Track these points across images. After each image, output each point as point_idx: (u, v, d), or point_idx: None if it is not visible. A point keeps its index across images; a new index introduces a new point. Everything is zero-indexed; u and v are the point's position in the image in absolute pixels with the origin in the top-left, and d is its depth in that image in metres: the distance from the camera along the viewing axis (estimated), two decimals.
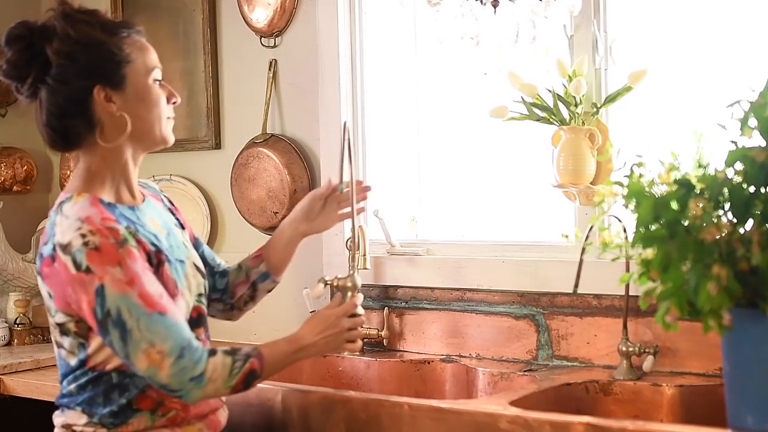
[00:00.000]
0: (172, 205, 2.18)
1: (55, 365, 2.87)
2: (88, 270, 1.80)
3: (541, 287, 2.57)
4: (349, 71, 2.93)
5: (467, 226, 2.84)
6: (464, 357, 2.68)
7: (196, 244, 2.20)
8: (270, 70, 3.07)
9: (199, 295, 2.04)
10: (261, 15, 3.04)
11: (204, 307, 2.06)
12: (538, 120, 2.51)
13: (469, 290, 2.68)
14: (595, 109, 2.49)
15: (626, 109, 2.51)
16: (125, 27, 1.95)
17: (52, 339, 1.98)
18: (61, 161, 3.61)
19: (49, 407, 2.82)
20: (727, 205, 1.77)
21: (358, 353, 2.76)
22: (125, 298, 1.80)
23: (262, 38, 3.07)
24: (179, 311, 1.90)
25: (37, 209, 3.63)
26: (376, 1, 2.93)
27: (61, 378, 1.98)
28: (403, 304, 2.81)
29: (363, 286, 2.82)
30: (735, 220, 1.76)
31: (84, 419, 1.93)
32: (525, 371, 2.48)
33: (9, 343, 3.17)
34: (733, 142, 1.77)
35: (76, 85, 1.89)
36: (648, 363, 2.34)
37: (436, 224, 2.95)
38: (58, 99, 1.89)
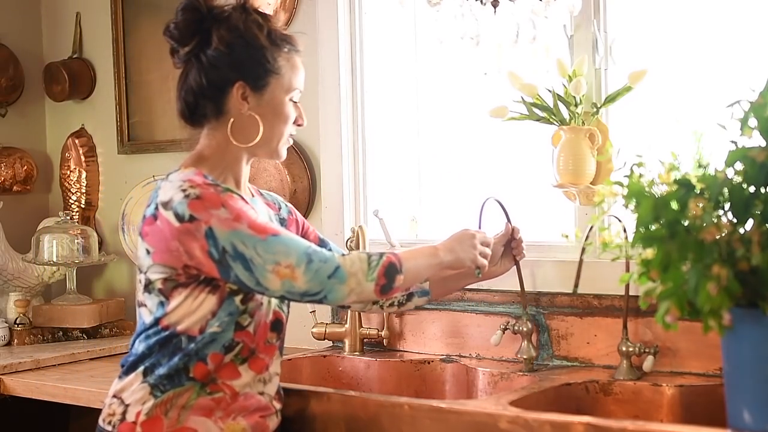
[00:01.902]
0: (291, 215, 2.26)
1: (55, 365, 2.92)
2: (191, 218, 1.90)
3: (541, 287, 2.57)
4: (349, 71, 2.94)
5: (467, 226, 2.83)
6: (464, 357, 2.68)
7: (322, 243, 2.27)
8: None
9: (281, 301, 2.09)
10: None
11: (283, 315, 2.11)
12: (538, 120, 2.51)
13: (469, 290, 2.68)
14: (595, 109, 2.49)
15: (626, 109, 2.52)
16: (288, 43, 2.06)
17: (136, 301, 2.06)
18: (61, 161, 3.61)
19: (49, 407, 2.83)
20: (727, 205, 1.77)
21: (357, 353, 2.76)
22: (236, 233, 1.89)
23: None
24: (292, 234, 1.99)
25: (37, 209, 3.63)
26: (376, 1, 2.93)
27: (134, 337, 2.05)
28: None
29: None
30: (735, 220, 1.76)
31: (138, 383, 1.98)
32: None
33: (9, 343, 3.17)
34: (733, 142, 1.77)
35: (223, 73, 2.01)
36: (648, 363, 2.34)
37: (436, 224, 2.95)
38: (202, 78, 2.01)
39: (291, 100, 2.07)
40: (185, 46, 2.03)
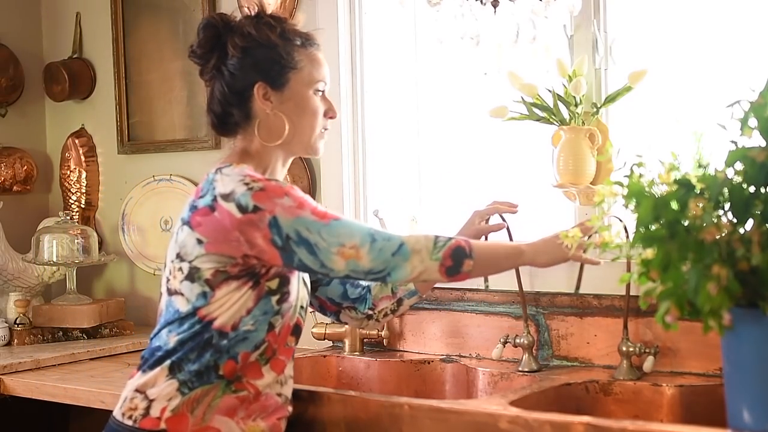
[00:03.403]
0: None
1: (55, 365, 2.91)
2: (255, 209, 1.93)
3: (541, 287, 2.57)
4: (349, 71, 2.94)
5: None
6: (464, 357, 2.68)
7: None
8: None
9: (301, 307, 2.12)
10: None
11: (302, 320, 2.12)
12: (538, 120, 2.51)
13: (469, 290, 2.68)
14: (595, 109, 2.49)
15: (626, 109, 2.52)
16: (303, 37, 2.10)
17: (165, 289, 2.05)
18: (61, 161, 3.61)
19: (49, 407, 2.83)
20: (727, 205, 1.77)
21: (357, 353, 2.76)
22: (300, 219, 1.93)
23: None
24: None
25: (37, 209, 3.63)
26: (376, 1, 2.93)
27: (160, 327, 2.04)
28: None
29: None
30: (735, 220, 1.76)
31: (164, 378, 1.98)
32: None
33: (9, 343, 3.17)
34: (733, 142, 1.77)
35: (243, 78, 2.06)
36: (648, 363, 2.34)
37: (436, 224, 2.95)
38: (224, 87, 2.08)
39: (317, 92, 2.10)
40: (208, 63, 2.09)
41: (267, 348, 2.02)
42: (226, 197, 1.96)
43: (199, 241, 1.98)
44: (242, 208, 1.94)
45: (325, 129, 2.14)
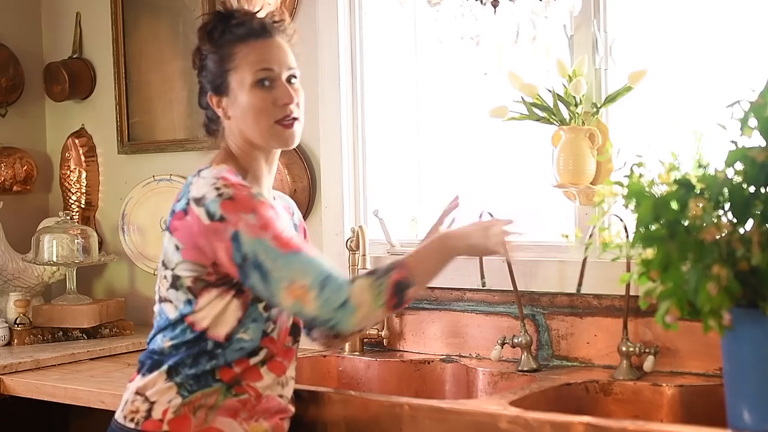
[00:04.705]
0: (299, 225, 2.27)
1: (55, 365, 2.91)
2: (221, 219, 1.90)
3: (541, 287, 2.57)
4: (349, 71, 2.94)
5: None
6: (464, 357, 2.68)
7: None
8: None
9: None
10: (261, 15, 3.03)
11: (301, 320, 2.09)
12: (538, 120, 2.51)
13: (469, 290, 2.68)
14: (595, 109, 2.49)
15: (626, 109, 2.51)
16: (246, 29, 2.03)
17: (157, 296, 2.05)
18: (61, 161, 3.61)
19: (49, 407, 2.83)
20: (727, 205, 1.77)
21: (357, 353, 2.76)
22: (260, 241, 1.88)
23: None
24: (315, 251, 1.96)
25: (37, 209, 3.63)
26: (376, 1, 2.93)
27: (154, 333, 2.04)
28: None
29: None
30: (735, 220, 1.76)
31: (162, 381, 1.98)
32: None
33: (9, 343, 3.17)
34: (733, 142, 1.77)
35: (203, 90, 2.09)
36: (648, 363, 2.34)
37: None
38: (201, 101, 2.12)
39: (260, 86, 2.00)
40: (198, 76, 2.12)
41: (266, 353, 2.01)
42: (198, 201, 1.93)
43: (177, 248, 1.98)
44: (210, 215, 1.91)
45: (288, 116, 2.02)
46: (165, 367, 1.99)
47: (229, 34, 2.03)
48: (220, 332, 1.97)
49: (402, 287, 1.91)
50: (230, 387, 1.98)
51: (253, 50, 2.02)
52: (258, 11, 2.07)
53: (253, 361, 2.00)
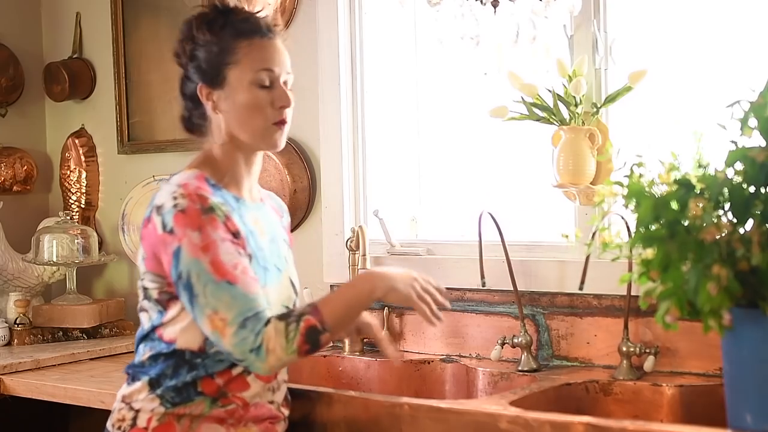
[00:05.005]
0: (288, 229, 2.23)
1: (55, 365, 2.92)
2: (171, 231, 1.88)
3: (541, 287, 2.57)
4: (349, 71, 2.94)
5: (467, 226, 2.84)
6: (464, 357, 2.68)
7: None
8: None
9: (286, 306, 2.04)
10: (261, 15, 3.04)
11: None
12: (538, 120, 2.51)
13: (469, 290, 2.68)
14: (595, 109, 2.49)
15: (626, 109, 2.51)
16: (250, 27, 2.01)
17: (139, 304, 2.02)
18: (61, 161, 3.61)
19: (49, 407, 2.83)
20: (727, 205, 1.77)
21: (357, 353, 2.76)
22: (197, 263, 1.85)
23: None
24: (255, 285, 1.88)
25: (37, 209, 3.63)
26: (376, 1, 2.93)
27: (137, 341, 2.03)
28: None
29: None
30: (735, 220, 1.76)
31: (145, 393, 1.96)
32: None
33: (9, 343, 3.17)
34: (733, 142, 1.77)
35: (192, 81, 2.03)
36: (649, 363, 2.34)
37: (436, 224, 2.95)
38: (183, 90, 2.06)
39: (260, 86, 1.98)
40: (182, 67, 2.06)
41: None
42: (158, 210, 1.91)
43: (143, 257, 1.96)
44: (163, 225, 1.89)
45: (281, 120, 2.00)
46: (146, 378, 1.97)
47: (231, 28, 1.99)
48: (191, 343, 1.93)
49: (314, 333, 1.87)
50: (215, 399, 1.95)
51: (257, 48, 2.00)
52: (259, 11, 2.05)
53: (236, 371, 1.96)
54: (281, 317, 1.87)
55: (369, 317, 2.12)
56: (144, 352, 1.99)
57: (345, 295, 1.95)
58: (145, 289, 1.98)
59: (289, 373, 2.12)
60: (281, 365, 1.89)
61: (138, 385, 1.98)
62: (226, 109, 1.99)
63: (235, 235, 1.92)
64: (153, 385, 1.96)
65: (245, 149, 2.03)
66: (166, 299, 1.94)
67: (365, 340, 2.80)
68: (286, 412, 2.09)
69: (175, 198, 1.89)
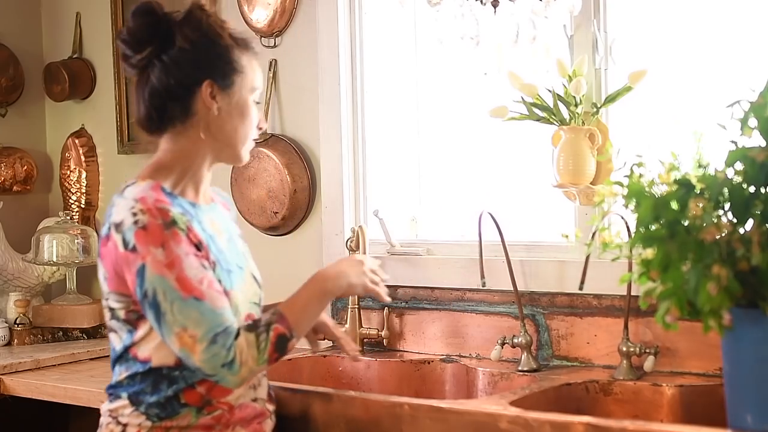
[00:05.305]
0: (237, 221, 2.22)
1: (55, 365, 2.92)
2: (133, 249, 1.84)
3: (541, 287, 2.57)
4: (349, 71, 2.93)
5: (467, 226, 2.84)
6: (464, 357, 2.68)
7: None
8: (270, 70, 3.07)
9: (254, 303, 2.04)
10: (261, 15, 3.04)
11: (256, 315, 2.03)
12: (538, 120, 2.51)
13: (469, 290, 2.68)
14: (595, 109, 2.49)
15: (626, 109, 2.51)
16: (246, 43, 2.01)
17: (107, 326, 1.99)
18: (61, 161, 3.61)
19: (49, 407, 2.83)
20: (727, 205, 1.77)
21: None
22: (163, 280, 1.82)
23: (262, 38, 3.07)
24: (222, 298, 1.88)
25: (37, 209, 3.63)
26: (376, 1, 2.93)
27: (112, 363, 2.00)
28: (403, 304, 2.80)
29: None
30: (735, 220, 1.76)
31: (130, 408, 1.94)
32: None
33: (9, 343, 3.17)
34: (733, 142, 1.77)
35: (190, 72, 1.94)
36: (649, 363, 2.34)
37: (436, 224, 2.95)
38: (169, 79, 1.94)
39: (254, 101, 2.02)
40: (141, 52, 1.96)
41: None
42: (117, 227, 1.86)
43: (105, 278, 1.92)
44: (125, 243, 1.84)
45: (254, 140, 2.05)
46: (126, 396, 1.94)
47: (235, 37, 1.99)
48: (167, 359, 1.90)
49: (283, 341, 1.89)
50: (200, 409, 1.94)
51: (256, 66, 2.03)
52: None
53: None
54: (249, 328, 1.88)
55: (323, 316, 2.15)
56: (120, 373, 1.96)
57: (305, 299, 1.99)
58: (111, 309, 1.93)
59: (288, 373, 2.12)
60: (252, 376, 1.91)
61: (120, 401, 1.96)
62: (227, 113, 1.97)
63: (198, 246, 1.89)
64: (134, 402, 1.94)
65: (216, 156, 2.01)
66: (134, 318, 1.90)
67: (365, 340, 2.81)
68: (271, 407, 2.08)
69: (134, 214, 1.85)
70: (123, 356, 1.95)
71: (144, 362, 1.92)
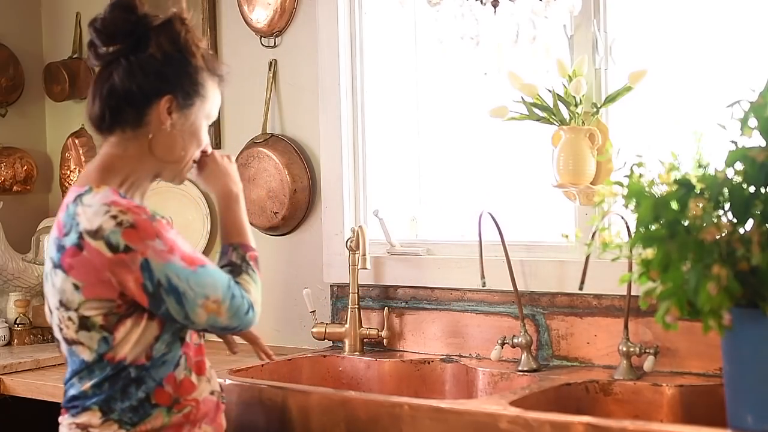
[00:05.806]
0: None
1: (55, 365, 2.91)
2: (126, 249, 1.84)
3: (541, 287, 2.57)
4: (349, 71, 2.93)
5: (467, 226, 2.84)
6: (464, 357, 2.68)
7: None
8: (270, 70, 3.07)
9: (203, 331, 2.05)
10: (261, 15, 3.04)
11: None
12: (538, 120, 2.51)
13: (469, 290, 2.68)
14: (595, 109, 2.49)
15: (626, 109, 2.51)
16: (216, 68, 2.02)
17: (61, 337, 1.96)
18: (61, 161, 3.61)
19: (49, 407, 2.82)
20: (727, 205, 1.77)
21: (357, 353, 2.77)
22: (170, 265, 1.87)
23: (262, 38, 3.07)
24: (206, 258, 1.97)
25: (37, 209, 3.63)
26: (376, 1, 2.93)
27: (70, 375, 1.96)
28: (403, 304, 2.81)
29: (363, 286, 2.84)
30: (735, 220, 1.76)
31: (100, 418, 1.92)
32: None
33: (9, 343, 3.17)
34: (733, 142, 1.77)
35: (154, 82, 1.93)
36: (649, 363, 2.34)
37: (436, 224, 2.95)
38: (131, 84, 1.92)
39: (207, 125, 2.03)
40: (110, 46, 1.94)
41: (186, 360, 1.96)
42: (94, 234, 1.84)
43: (76, 287, 1.87)
44: (113, 247, 1.83)
45: (195, 161, 2.05)
46: (95, 406, 1.92)
47: (206, 60, 1.99)
48: (141, 356, 1.90)
49: (257, 259, 2.06)
50: (170, 408, 1.94)
51: (218, 95, 2.04)
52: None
53: (179, 374, 1.94)
54: (235, 271, 2.00)
55: None
56: (82, 384, 1.93)
57: (238, 217, 2.11)
58: (84, 318, 1.89)
59: (288, 373, 2.12)
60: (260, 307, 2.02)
61: (87, 415, 1.93)
62: (179, 132, 1.96)
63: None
64: (105, 411, 1.91)
65: (158, 169, 1.99)
66: (114, 322, 1.88)
67: (365, 340, 2.81)
68: (224, 399, 2.09)
69: (114, 217, 1.84)
70: (93, 366, 1.92)
71: (118, 363, 1.90)
